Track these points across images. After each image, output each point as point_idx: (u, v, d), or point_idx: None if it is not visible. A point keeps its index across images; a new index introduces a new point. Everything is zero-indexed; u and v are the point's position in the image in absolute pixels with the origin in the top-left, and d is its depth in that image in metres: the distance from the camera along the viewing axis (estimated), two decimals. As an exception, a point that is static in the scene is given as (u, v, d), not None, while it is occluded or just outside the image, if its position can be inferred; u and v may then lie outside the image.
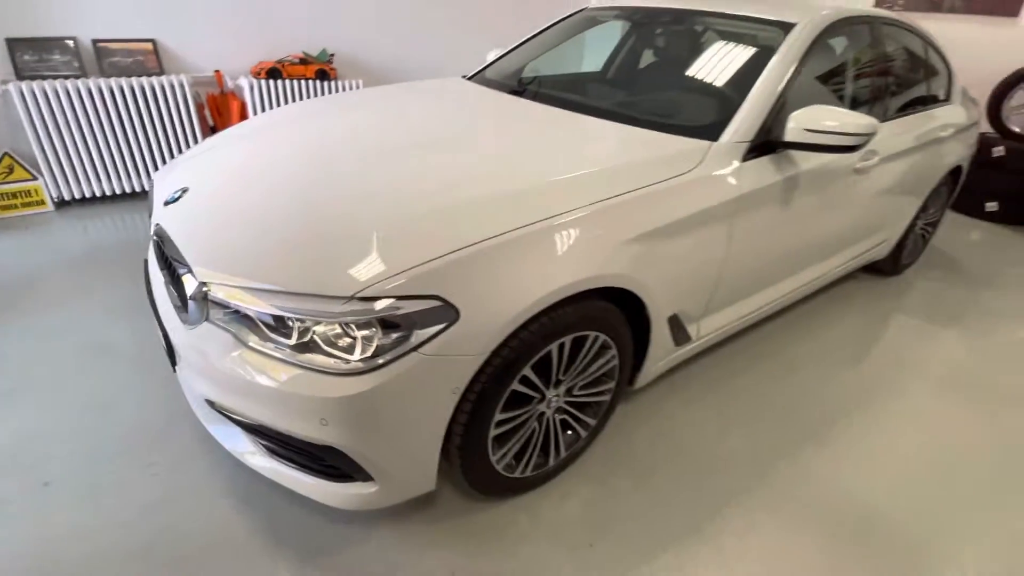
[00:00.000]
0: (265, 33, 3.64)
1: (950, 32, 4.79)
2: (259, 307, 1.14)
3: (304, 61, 3.67)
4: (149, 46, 3.28)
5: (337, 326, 1.11)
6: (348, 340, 1.12)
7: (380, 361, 1.09)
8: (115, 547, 1.37)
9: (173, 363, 1.41)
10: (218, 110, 3.61)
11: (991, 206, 4.35)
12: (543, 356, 1.34)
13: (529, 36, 2.65)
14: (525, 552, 1.42)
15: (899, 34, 2.49)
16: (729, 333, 2.02)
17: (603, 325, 1.42)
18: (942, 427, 1.98)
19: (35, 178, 3.15)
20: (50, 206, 3.23)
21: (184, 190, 1.52)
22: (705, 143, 1.61)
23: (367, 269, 1.11)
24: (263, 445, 1.30)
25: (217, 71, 3.53)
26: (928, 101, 2.65)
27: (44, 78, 3.01)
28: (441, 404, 1.18)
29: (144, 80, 3.20)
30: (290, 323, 1.13)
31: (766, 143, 1.70)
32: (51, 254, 2.75)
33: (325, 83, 3.72)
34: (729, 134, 1.64)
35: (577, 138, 1.63)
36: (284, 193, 1.39)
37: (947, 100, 2.80)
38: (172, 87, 3.27)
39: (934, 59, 2.72)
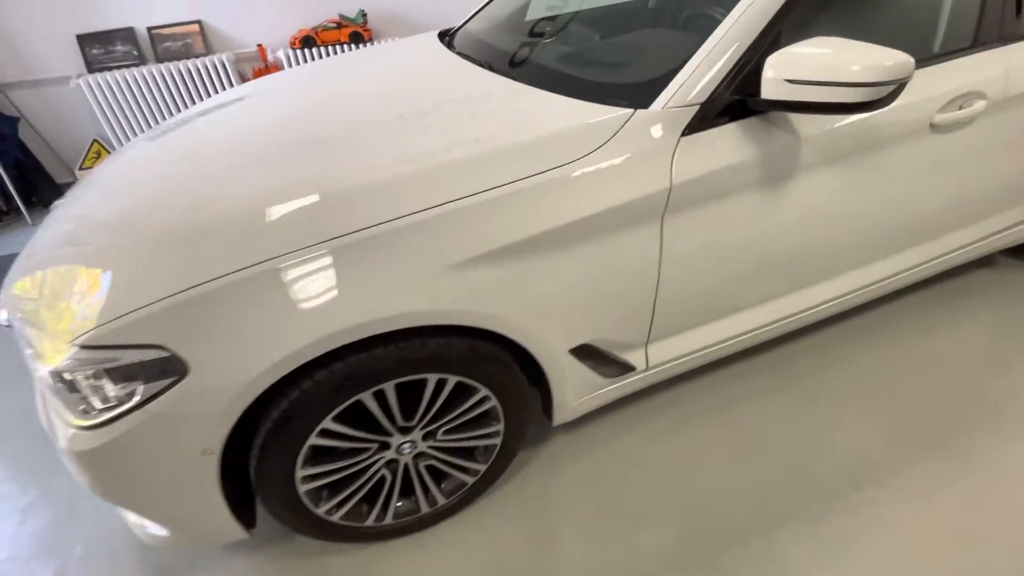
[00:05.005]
0: (302, 1, 3.58)
1: None
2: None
3: (340, 25, 3.56)
4: (196, 27, 3.43)
5: (81, 376, 0.98)
6: (98, 392, 0.98)
7: (109, 416, 0.95)
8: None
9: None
10: (267, 84, 3.69)
11: None
12: (360, 403, 1.09)
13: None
14: (366, 612, 1.24)
15: None
16: (716, 356, 1.53)
17: (447, 366, 1.11)
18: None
19: (119, 161, 3.56)
20: (133, 185, 3.64)
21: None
22: (624, 112, 1.14)
23: (90, 312, 0.96)
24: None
25: (260, 45, 3.59)
26: None
27: (111, 69, 3.32)
28: (193, 464, 1.01)
29: (190, 63, 3.36)
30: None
31: (736, 103, 1.16)
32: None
33: (362, 46, 3.58)
34: (666, 97, 1.14)
35: (454, 117, 1.23)
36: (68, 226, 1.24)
37: None
38: (215, 67, 3.40)
39: None
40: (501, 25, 1.84)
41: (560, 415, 1.39)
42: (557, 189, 1.06)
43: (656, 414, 1.66)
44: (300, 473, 1.12)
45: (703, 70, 1.13)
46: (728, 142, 1.16)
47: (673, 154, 1.12)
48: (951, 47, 1.41)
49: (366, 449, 1.18)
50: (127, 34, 3.33)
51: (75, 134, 3.56)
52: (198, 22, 3.43)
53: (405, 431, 1.20)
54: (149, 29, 3.37)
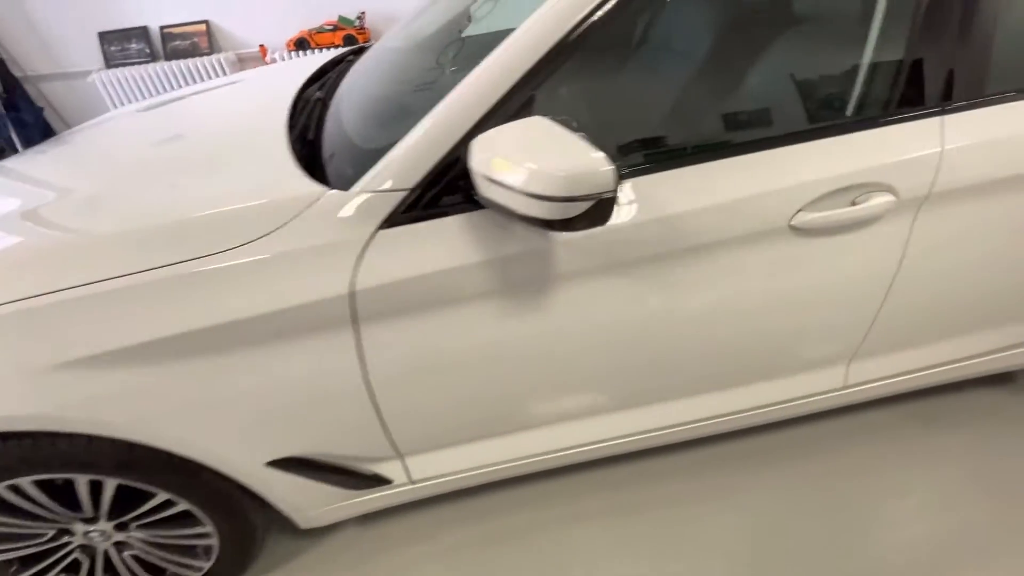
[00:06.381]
0: (308, 1, 3.56)
1: None
2: None
3: (336, 28, 3.50)
4: (203, 27, 3.53)
5: None
6: None
7: None
8: None
9: None
10: (271, 83, 3.75)
11: None
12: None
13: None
14: None
15: None
16: (517, 473, 1.26)
17: (94, 468, 0.97)
18: None
19: (135, 151, 3.80)
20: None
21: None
22: (312, 192, 0.92)
23: None
24: None
25: (261, 45, 3.63)
26: None
27: (125, 65, 3.51)
28: None
29: (192, 61, 3.47)
30: None
31: (466, 190, 0.90)
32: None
33: (358, 49, 3.51)
34: (368, 177, 0.90)
35: (143, 185, 1.06)
36: None
37: None
38: (214, 66, 3.49)
39: None
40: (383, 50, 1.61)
41: (305, 521, 1.21)
42: (193, 284, 0.87)
43: (465, 523, 1.41)
44: (-42, 554, 1.04)
45: (418, 146, 0.88)
46: (447, 239, 0.90)
47: (363, 251, 0.89)
48: (858, 115, 1.02)
49: (40, 534, 1.08)
50: (141, 32, 3.51)
51: (101, 123, 3.84)
52: (206, 22, 3.53)
53: (90, 520, 1.09)
54: (161, 28, 3.53)
